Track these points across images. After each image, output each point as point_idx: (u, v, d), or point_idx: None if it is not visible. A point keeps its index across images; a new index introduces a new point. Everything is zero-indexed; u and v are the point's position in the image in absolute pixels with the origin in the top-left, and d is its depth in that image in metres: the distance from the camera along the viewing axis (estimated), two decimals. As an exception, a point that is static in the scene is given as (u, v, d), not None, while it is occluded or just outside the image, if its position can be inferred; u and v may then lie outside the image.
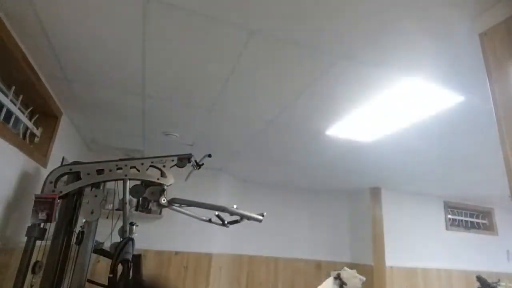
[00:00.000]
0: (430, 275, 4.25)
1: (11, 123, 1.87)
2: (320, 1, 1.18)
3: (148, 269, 3.48)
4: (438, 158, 2.94)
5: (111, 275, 1.60)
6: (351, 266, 3.02)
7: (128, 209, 1.86)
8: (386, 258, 4.01)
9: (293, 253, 4.48)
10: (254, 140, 2.83)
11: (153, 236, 3.62)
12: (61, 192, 1.75)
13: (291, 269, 4.43)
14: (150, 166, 1.93)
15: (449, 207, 4.77)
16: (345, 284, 1.00)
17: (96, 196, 1.80)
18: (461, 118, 2.06)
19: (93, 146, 3.43)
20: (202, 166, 2.30)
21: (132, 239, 1.78)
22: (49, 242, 1.76)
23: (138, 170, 1.90)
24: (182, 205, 1.94)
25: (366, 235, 4.31)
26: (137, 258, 1.79)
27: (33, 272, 1.71)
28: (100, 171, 1.84)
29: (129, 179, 1.89)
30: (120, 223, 1.88)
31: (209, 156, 2.44)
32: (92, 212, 1.77)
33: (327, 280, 1.05)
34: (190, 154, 2.05)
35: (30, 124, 2.06)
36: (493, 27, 1.12)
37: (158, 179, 1.90)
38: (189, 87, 1.94)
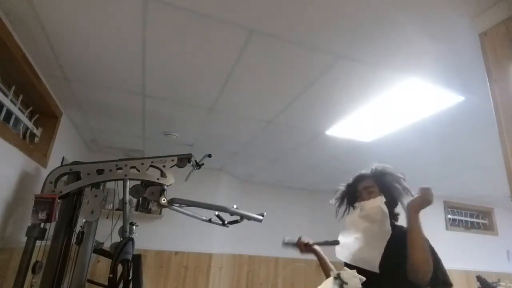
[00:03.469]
0: (430, 275, 4.24)
1: (11, 123, 1.87)
2: (320, 1, 1.18)
3: (148, 269, 3.48)
4: (438, 158, 2.94)
5: (111, 275, 1.60)
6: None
7: (128, 209, 1.86)
8: (386, 258, 4.01)
9: (293, 253, 4.47)
10: (254, 140, 2.83)
11: (153, 236, 3.62)
12: (61, 192, 1.75)
13: (291, 269, 4.43)
14: (150, 166, 1.93)
15: (449, 207, 4.77)
16: (346, 283, 1.00)
17: (96, 196, 1.80)
18: (461, 118, 2.06)
19: (93, 146, 3.43)
20: (202, 166, 2.30)
21: (132, 239, 1.79)
22: (49, 242, 1.77)
23: (138, 170, 1.90)
24: (182, 205, 1.94)
25: (366, 235, 4.30)
26: (137, 258, 1.80)
27: (33, 272, 1.72)
28: (100, 171, 1.84)
29: (129, 179, 1.89)
30: (120, 223, 1.88)
31: (209, 156, 2.44)
32: (92, 212, 1.77)
33: (327, 280, 1.05)
34: (190, 154, 2.05)
35: (30, 124, 2.06)
36: (493, 27, 1.11)
37: (158, 179, 1.90)
38: (189, 87, 1.94)
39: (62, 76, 1.89)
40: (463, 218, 4.91)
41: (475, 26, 1.19)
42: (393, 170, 1.40)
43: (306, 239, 1.55)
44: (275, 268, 4.42)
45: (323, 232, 4.92)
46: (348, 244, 1.34)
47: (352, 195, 1.47)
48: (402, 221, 1.31)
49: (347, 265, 1.30)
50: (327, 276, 1.39)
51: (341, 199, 1.52)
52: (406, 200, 1.27)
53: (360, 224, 1.34)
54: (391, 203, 1.33)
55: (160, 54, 1.60)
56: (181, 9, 1.26)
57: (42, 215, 1.65)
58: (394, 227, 1.28)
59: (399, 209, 1.36)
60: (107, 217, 2.19)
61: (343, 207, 1.52)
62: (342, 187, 1.54)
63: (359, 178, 1.46)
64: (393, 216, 1.35)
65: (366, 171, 1.46)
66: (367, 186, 1.40)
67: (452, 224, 4.76)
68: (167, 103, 2.18)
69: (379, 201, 1.32)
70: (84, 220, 1.82)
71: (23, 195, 1.92)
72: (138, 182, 1.96)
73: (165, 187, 1.91)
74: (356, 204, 1.42)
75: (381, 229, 1.28)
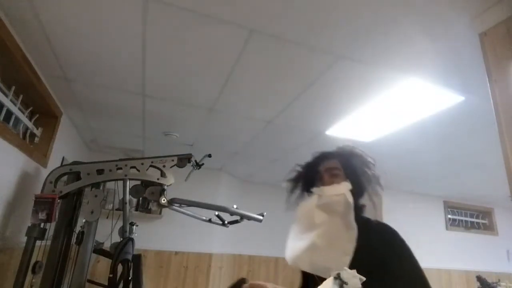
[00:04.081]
0: (430, 275, 4.22)
1: (11, 123, 1.87)
2: (320, 1, 1.18)
3: (148, 269, 3.48)
4: (438, 158, 2.94)
5: (111, 275, 1.60)
6: (351, 266, 2.99)
7: (128, 209, 1.86)
8: (386, 258, 4.01)
9: (293, 253, 4.47)
10: (254, 140, 2.83)
11: (153, 236, 3.62)
12: (61, 192, 1.75)
13: (291, 269, 4.43)
14: (150, 166, 1.93)
15: (449, 207, 4.77)
16: (346, 283, 0.98)
17: (96, 196, 1.80)
18: (461, 118, 2.06)
19: (93, 146, 3.43)
20: (202, 166, 2.31)
21: (132, 239, 1.79)
22: (49, 242, 1.77)
23: (138, 170, 1.90)
24: (182, 205, 1.94)
25: (366, 235, 4.30)
26: (137, 258, 1.80)
27: (33, 272, 1.72)
28: (100, 171, 1.84)
29: (129, 179, 1.89)
30: (120, 223, 1.88)
31: (209, 156, 2.44)
32: (92, 212, 1.77)
33: (326, 280, 1.04)
34: (190, 154, 2.05)
35: (30, 124, 2.06)
36: (493, 27, 1.11)
37: (158, 179, 1.90)
38: (189, 87, 1.94)
39: (62, 76, 1.89)
40: (463, 218, 4.91)
41: (475, 26, 1.19)
42: (363, 152, 1.15)
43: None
44: (275, 268, 4.42)
45: (323, 232, 4.87)
46: (300, 243, 0.97)
47: (310, 178, 1.14)
48: (367, 214, 1.10)
49: None
50: None
51: (295, 182, 1.18)
52: (374, 190, 1.06)
53: (316, 216, 1.01)
54: (358, 192, 1.05)
55: (160, 54, 1.60)
56: (181, 9, 1.26)
57: (42, 215, 1.65)
58: (360, 220, 0.99)
59: (365, 199, 1.08)
60: (107, 217, 2.19)
61: (297, 193, 1.17)
62: (298, 167, 1.21)
63: (322, 157, 1.15)
64: (358, 208, 1.05)
65: (331, 150, 1.16)
66: (331, 168, 1.10)
67: (452, 224, 4.76)
68: (167, 103, 2.18)
69: (344, 188, 1.03)
70: (84, 220, 1.82)
71: (23, 195, 1.92)
72: (138, 182, 1.96)
73: (165, 187, 1.91)
74: (314, 189, 1.09)
75: (343, 223, 0.96)
